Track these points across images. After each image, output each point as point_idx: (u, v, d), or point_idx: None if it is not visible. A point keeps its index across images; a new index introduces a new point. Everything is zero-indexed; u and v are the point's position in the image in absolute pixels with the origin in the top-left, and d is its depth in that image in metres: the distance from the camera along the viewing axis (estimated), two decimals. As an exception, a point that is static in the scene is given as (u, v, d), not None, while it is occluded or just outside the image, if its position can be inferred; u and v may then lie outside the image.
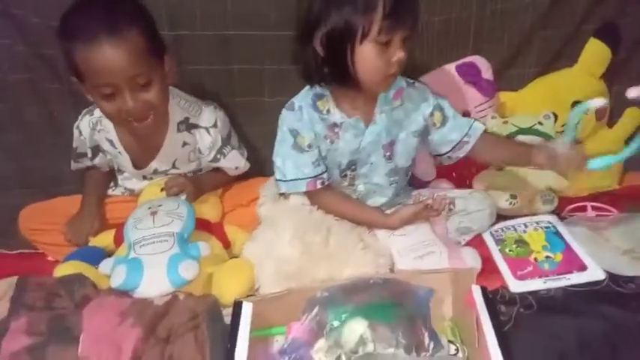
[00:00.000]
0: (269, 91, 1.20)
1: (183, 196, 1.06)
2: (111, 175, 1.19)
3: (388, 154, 1.02)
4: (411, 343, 0.76)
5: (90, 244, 1.08)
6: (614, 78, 1.25)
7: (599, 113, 1.23)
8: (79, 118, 1.09)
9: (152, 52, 0.93)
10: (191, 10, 1.11)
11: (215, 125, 1.09)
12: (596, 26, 1.20)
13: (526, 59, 1.25)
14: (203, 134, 1.09)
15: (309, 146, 0.96)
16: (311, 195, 1.02)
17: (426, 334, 0.77)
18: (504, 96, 1.27)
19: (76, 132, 1.10)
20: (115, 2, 0.92)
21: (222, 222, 1.11)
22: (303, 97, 0.98)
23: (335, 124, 0.97)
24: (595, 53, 1.21)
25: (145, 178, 1.15)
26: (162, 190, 1.09)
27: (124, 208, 1.10)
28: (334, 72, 0.91)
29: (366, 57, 0.86)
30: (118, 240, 1.02)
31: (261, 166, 1.20)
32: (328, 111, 0.96)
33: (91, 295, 0.88)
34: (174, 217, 0.97)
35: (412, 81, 1.02)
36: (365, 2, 0.83)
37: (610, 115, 1.27)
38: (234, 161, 1.14)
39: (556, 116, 1.20)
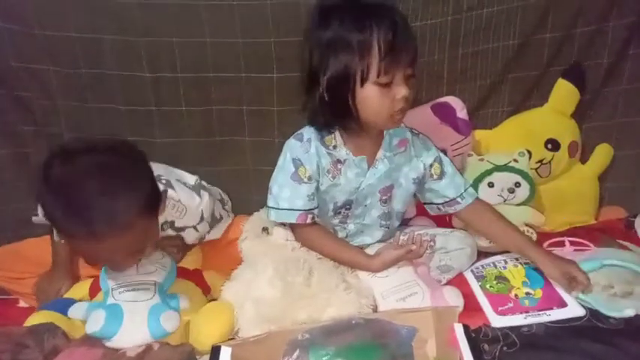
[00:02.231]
0: (249, 131, 1.21)
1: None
2: None
3: (385, 197, 1.03)
4: None
5: (64, 295, 1.03)
6: (584, 115, 1.29)
7: (571, 150, 1.26)
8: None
9: (150, 216, 0.85)
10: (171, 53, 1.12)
11: (202, 219, 1.06)
12: (563, 67, 1.25)
13: (498, 99, 1.29)
14: (190, 232, 1.07)
15: (309, 178, 0.96)
16: (297, 229, 1.01)
17: None
18: (479, 134, 1.30)
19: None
20: (115, 184, 0.79)
21: (201, 269, 1.08)
22: (313, 130, 0.97)
23: (339, 161, 0.98)
24: (564, 93, 1.26)
25: None
26: None
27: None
28: (339, 116, 0.92)
29: (369, 98, 0.88)
30: (94, 291, 0.98)
31: (237, 206, 1.20)
32: (335, 147, 0.97)
33: (61, 345, 0.84)
34: (158, 267, 0.96)
35: (417, 132, 1.04)
36: (360, 47, 0.85)
37: (582, 152, 1.30)
38: (221, 229, 1.14)
39: (530, 153, 1.22)
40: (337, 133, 0.97)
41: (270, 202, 0.99)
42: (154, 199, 0.85)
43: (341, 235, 1.07)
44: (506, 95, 1.28)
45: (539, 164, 1.24)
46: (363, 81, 0.86)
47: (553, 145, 1.25)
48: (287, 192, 0.97)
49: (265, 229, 1.06)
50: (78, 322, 0.90)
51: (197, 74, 1.14)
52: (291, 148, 0.97)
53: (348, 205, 1.02)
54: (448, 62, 1.22)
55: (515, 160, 1.19)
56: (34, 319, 0.90)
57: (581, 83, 1.24)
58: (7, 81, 1.12)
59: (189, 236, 1.07)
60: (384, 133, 0.99)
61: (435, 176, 1.03)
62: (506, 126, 1.30)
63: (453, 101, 1.24)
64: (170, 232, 1.04)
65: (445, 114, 1.23)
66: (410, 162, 1.02)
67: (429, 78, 1.24)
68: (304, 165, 0.96)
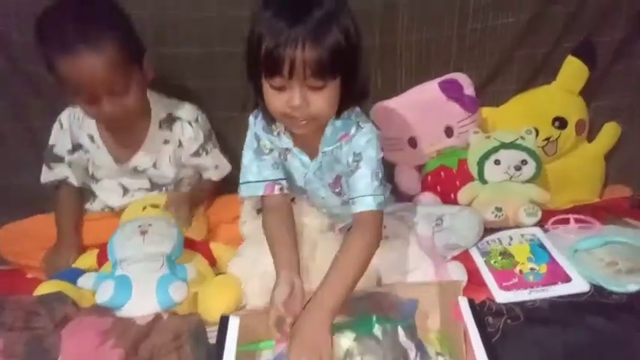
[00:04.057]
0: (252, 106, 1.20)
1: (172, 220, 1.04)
2: (82, 195, 1.16)
3: (337, 190, 1.00)
4: (398, 355, 0.75)
5: (72, 266, 1.04)
6: (592, 94, 1.28)
7: (578, 128, 1.26)
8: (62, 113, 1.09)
9: (130, 57, 0.94)
10: (175, 27, 1.11)
11: (197, 120, 1.10)
12: (574, 44, 1.23)
13: (506, 76, 1.28)
14: (185, 127, 1.09)
15: (271, 150, 0.95)
16: (266, 205, 0.95)
17: (413, 345, 0.77)
18: (486, 112, 1.29)
19: (56, 125, 1.10)
20: (90, 9, 0.92)
21: (207, 240, 1.09)
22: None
23: (285, 148, 0.95)
24: (573, 70, 1.24)
25: (125, 192, 1.13)
26: (144, 209, 1.07)
27: (104, 226, 1.08)
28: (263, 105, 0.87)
29: (265, 95, 0.82)
30: (102, 260, 1.00)
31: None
32: (278, 134, 0.94)
33: (72, 314, 0.86)
34: (165, 238, 0.96)
35: (363, 126, 0.90)
36: (258, 43, 0.77)
37: (589, 130, 1.30)
38: (216, 159, 1.14)
39: (537, 131, 1.22)
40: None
41: (241, 179, 0.97)
42: (132, 42, 0.96)
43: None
44: (515, 72, 1.27)
45: (546, 142, 1.24)
46: (261, 76, 0.81)
47: (560, 123, 1.24)
48: (254, 166, 0.95)
49: (260, 211, 1.06)
50: (87, 292, 0.91)
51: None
52: (251, 124, 0.96)
53: (304, 192, 1.01)
54: (457, 38, 1.21)
55: (522, 138, 1.19)
56: (44, 289, 0.91)
57: (592, 60, 1.23)
58: (13, 55, 1.11)
59: (184, 134, 1.09)
60: (328, 125, 0.90)
61: (351, 169, 0.91)
62: (514, 103, 1.29)
63: (461, 78, 1.23)
64: (167, 132, 1.08)
65: (452, 91, 1.22)
66: (345, 155, 0.93)
67: (437, 54, 1.23)
68: (263, 139, 0.95)
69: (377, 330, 0.78)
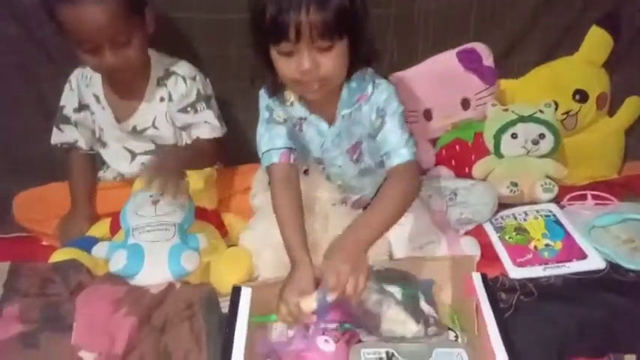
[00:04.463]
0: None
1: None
2: (94, 162, 1.16)
3: (355, 156, 0.99)
4: (419, 317, 0.77)
5: (86, 234, 1.05)
6: (615, 66, 1.23)
7: (599, 102, 1.22)
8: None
9: (131, 8, 0.95)
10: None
11: (193, 79, 1.07)
12: (598, 14, 1.18)
13: (527, 47, 1.24)
14: (179, 81, 1.07)
15: (285, 120, 0.94)
16: (276, 176, 0.92)
17: (432, 310, 0.79)
18: (505, 84, 1.25)
19: (67, 86, 1.10)
20: None
21: (218, 210, 1.09)
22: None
23: (300, 118, 0.94)
24: (597, 42, 1.20)
25: (133, 157, 1.13)
26: None
27: (116, 195, 1.08)
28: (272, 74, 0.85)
29: (275, 62, 0.82)
30: (114, 228, 1.01)
31: (256, 153, 1.18)
32: (292, 104, 0.93)
33: (86, 281, 0.87)
34: (176, 208, 0.97)
35: (380, 82, 0.91)
36: (256, 10, 0.77)
37: (611, 104, 1.26)
38: (207, 117, 1.08)
39: (557, 104, 1.18)
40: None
41: (259, 150, 0.95)
42: None
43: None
44: (536, 43, 1.23)
45: (565, 116, 1.21)
46: (268, 45, 0.81)
47: (581, 96, 1.21)
48: (267, 136, 0.93)
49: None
50: (100, 260, 0.92)
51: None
52: (262, 96, 0.95)
53: (320, 163, 1.00)
54: (476, 6, 1.17)
55: (541, 111, 1.15)
56: (58, 256, 0.93)
57: (616, 31, 1.18)
58: (25, 20, 1.10)
59: (176, 89, 1.06)
60: (343, 88, 0.90)
61: (376, 127, 0.91)
62: (533, 76, 1.25)
63: (480, 48, 1.19)
64: (164, 89, 1.06)
65: (470, 61, 1.18)
66: (366, 117, 0.93)
67: (455, 23, 1.19)
68: (276, 110, 0.94)
69: (398, 292, 0.80)
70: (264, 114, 0.95)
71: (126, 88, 1.06)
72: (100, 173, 1.17)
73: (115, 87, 1.07)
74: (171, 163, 0.98)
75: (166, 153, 1.08)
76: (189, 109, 1.07)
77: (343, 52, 0.81)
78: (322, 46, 0.78)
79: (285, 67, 0.81)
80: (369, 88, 0.90)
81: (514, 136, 1.15)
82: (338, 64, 0.81)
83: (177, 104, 1.07)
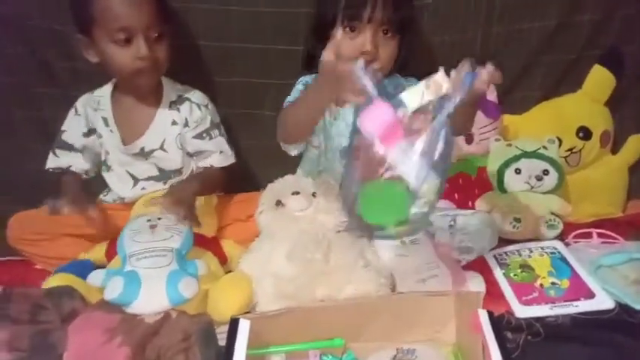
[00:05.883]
0: (269, 103, 1.18)
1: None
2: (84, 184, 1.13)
3: None
4: None
5: (80, 257, 1.04)
6: (618, 104, 1.24)
7: (603, 139, 1.22)
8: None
9: (165, 13, 1.00)
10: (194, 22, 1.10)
11: (207, 106, 1.11)
12: (601, 52, 1.20)
13: (530, 83, 1.24)
14: (194, 108, 1.09)
15: None
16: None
17: None
18: (508, 119, 1.26)
19: (71, 111, 1.10)
20: None
21: (217, 237, 1.08)
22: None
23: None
24: (599, 80, 1.21)
25: (135, 182, 1.11)
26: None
27: (114, 217, 1.07)
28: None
29: (340, 42, 0.86)
30: (111, 254, 0.99)
31: (258, 181, 1.17)
32: None
33: (79, 309, 0.85)
34: (174, 233, 0.95)
35: (411, 81, 1.00)
36: None
37: (614, 142, 1.26)
38: (221, 146, 1.11)
39: (560, 141, 1.18)
40: None
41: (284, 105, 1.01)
42: (166, 4, 1.02)
43: None
44: (539, 79, 1.24)
45: (569, 152, 1.21)
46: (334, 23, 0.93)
47: (585, 133, 1.21)
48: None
49: (279, 202, 1.04)
50: (95, 287, 0.90)
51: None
52: (301, 81, 1.04)
53: (343, 157, 0.99)
54: (481, 40, 1.18)
55: (545, 147, 1.16)
56: (52, 282, 0.90)
57: (619, 69, 1.20)
58: (29, 41, 1.11)
59: (192, 115, 1.09)
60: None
61: None
62: (537, 111, 1.26)
63: (484, 83, 1.20)
64: (175, 112, 1.08)
65: (475, 96, 1.19)
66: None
67: (460, 56, 1.19)
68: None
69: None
70: (298, 89, 1.01)
71: (137, 109, 1.07)
72: (101, 196, 1.15)
73: (125, 108, 1.08)
74: (191, 193, 1.00)
75: (184, 182, 1.08)
76: (204, 135, 1.09)
77: (396, 48, 0.96)
78: (388, 29, 0.92)
79: (349, 45, 0.91)
80: (402, 80, 1.01)
81: (517, 171, 1.14)
82: (392, 55, 0.96)
83: (193, 130, 1.09)
